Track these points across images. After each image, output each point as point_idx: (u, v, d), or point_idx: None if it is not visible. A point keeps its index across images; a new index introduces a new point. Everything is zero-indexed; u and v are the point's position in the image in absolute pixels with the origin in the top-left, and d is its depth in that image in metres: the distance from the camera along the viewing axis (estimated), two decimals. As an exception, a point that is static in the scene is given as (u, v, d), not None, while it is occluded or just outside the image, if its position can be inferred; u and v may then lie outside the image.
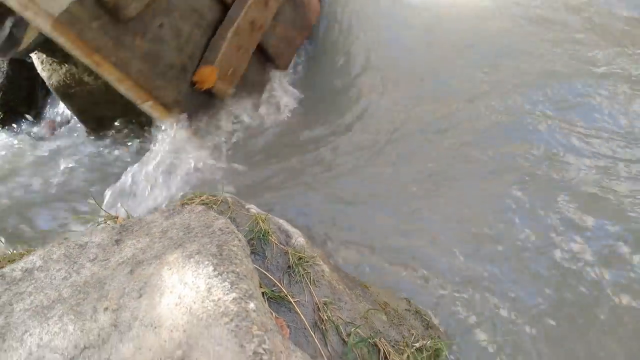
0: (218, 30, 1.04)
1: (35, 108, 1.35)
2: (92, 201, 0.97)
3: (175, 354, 0.39)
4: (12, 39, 0.93)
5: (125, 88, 1.05)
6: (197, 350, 0.39)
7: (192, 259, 0.46)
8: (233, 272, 0.44)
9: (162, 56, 0.99)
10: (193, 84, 1.09)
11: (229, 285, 0.43)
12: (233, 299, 0.41)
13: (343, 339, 0.66)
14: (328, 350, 0.64)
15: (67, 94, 1.15)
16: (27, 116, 1.34)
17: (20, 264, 0.56)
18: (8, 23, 0.91)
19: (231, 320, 0.39)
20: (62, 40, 0.81)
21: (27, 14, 0.76)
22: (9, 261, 0.75)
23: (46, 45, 1.02)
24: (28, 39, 0.97)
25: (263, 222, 0.72)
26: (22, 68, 1.30)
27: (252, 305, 0.42)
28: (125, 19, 0.87)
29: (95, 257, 0.53)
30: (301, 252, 0.69)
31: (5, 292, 0.52)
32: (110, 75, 0.98)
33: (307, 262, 0.68)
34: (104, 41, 0.87)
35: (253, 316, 0.40)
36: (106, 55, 0.89)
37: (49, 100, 1.37)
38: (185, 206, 0.60)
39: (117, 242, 0.55)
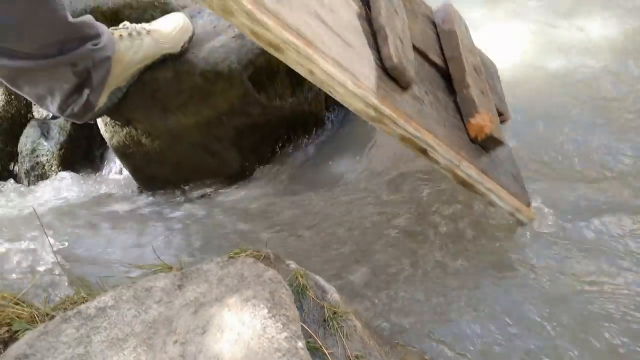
0: (455, 84, 1.11)
1: (91, 165, 1.49)
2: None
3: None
4: (88, 105, 1.06)
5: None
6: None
7: (248, 303, 0.53)
8: (284, 315, 0.52)
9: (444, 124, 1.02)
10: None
11: (281, 326, 0.50)
12: (285, 337, 0.48)
13: (371, 391, 0.71)
14: (357, 400, 0.69)
15: (125, 153, 1.27)
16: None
17: (94, 303, 0.64)
18: (86, 91, 1.05)
19: (283, 355, 0.46)
20: (386, 113, 0.88)
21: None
22: (72, 303, 0.84)
23: (113, 110, 1.16)
24: (100, 104, 1.10)
25: (301, 277, 0.79)
26: (83, 128, 1.44)
27: (300, 344, 0.49)
28: (405, 85, 0.94)
29: (160, 299, 0.61)
30: (336, 307, 0.76)
31: (83, 326, 0.60)
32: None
33: (341, 317, 0.75)
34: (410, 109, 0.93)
35: (302, 353, 0.47)
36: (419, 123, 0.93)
37: (104, 158, 1.50)
38: (237, 258, 0.69)
39: (179, 287, 0.63)
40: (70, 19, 0.98)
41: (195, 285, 0.62)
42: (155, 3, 1.51)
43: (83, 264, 1.16)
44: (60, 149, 1.44)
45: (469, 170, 0.98)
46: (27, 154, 1.51)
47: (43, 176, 1.50)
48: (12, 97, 1.53)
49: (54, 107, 1.07)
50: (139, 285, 0.66)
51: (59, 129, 1.46)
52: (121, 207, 1.38)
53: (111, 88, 1.09)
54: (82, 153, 1.47)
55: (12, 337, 0.86)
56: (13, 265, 1.19)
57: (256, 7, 0.72)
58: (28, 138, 1.51)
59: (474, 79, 1.11)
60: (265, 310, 0.51)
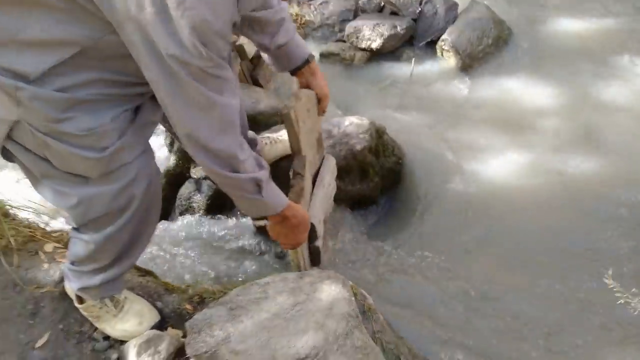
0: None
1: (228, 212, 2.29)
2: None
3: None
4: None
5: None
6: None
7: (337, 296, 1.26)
8: (350, 302, 1.23)
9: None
10: None
11: (347, 306, 1.22)
12: (350, 311, 1.19)
13: None
14: None
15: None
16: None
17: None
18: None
19: (350, 317, 1.17)
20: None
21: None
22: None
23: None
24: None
25: (355, 289, 1.50)
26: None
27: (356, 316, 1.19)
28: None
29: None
30: (370, 305, 1.46)
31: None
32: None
33: (372, 310, 1.44)
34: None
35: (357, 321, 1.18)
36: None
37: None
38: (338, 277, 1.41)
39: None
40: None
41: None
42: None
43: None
44: (207, 200, 2.25)
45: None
46: (184, 200, 2.33)
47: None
48: (181, 161, 2.37)
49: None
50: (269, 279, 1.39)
51: (208, 187, 2.29)
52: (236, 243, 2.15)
53: None
54: (222, 203, 2.27)
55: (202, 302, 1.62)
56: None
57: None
58: (186, 189, 2.33)
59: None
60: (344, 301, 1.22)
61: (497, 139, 2.35)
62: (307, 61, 1.55)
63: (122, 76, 1.07)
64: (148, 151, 1.22)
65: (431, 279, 1.81)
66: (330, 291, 1.24)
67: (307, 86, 1.60)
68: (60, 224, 1.87)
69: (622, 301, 1.24)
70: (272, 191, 1.27)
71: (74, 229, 1.28)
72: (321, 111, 1.69)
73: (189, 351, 1.14)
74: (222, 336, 1.14)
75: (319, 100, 1.63)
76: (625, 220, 1.92)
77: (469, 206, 2.06)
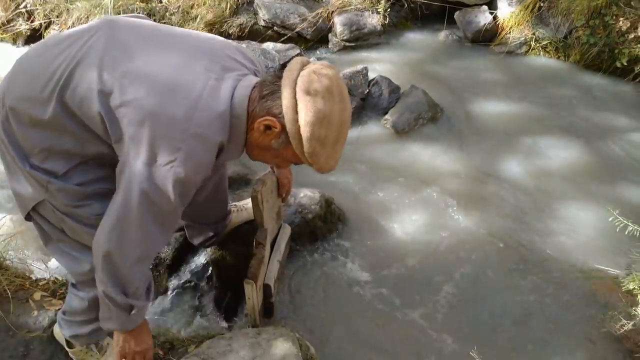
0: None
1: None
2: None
3: None
4: (211, 240, 2.18)
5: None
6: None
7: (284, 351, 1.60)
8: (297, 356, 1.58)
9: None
10: None
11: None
12: None
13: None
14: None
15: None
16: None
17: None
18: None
19: None
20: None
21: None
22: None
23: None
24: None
25: (300, 342, 1.84)
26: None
27: None
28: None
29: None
30: (313, 355, 1.80)
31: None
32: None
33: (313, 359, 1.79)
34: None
35: None
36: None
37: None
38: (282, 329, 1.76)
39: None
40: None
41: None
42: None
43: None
44: (174, 252, 2.55)
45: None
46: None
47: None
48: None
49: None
50: (233, 334, 1.72)
51: (175, 240, 2.58)
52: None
53: None
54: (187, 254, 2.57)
55: (173, 348, 1.91)
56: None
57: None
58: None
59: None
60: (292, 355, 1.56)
61: (412, 200, 2.79)
62: None
63: None
64: None
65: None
66: (282, 347, 1.58)
67: (277, 173, 1.97)
68: (45, 273, 2.12)
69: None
70: (138, 316, 1.38)
71: (72, 285, 1.57)
72: (285, 196, 2.06)
73: (169, 394, 1.45)
74: (197, 382, 1.46)
75: (280, 185, 2.01)
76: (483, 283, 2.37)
77: (383, 259, 2.46)
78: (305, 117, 1.14)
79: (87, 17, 4.46)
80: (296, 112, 1.15)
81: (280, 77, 1.18)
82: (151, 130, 1.13)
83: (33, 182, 1.31)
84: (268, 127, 1.20)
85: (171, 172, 1.13)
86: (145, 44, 1.24)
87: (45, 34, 4.71)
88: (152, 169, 1.14)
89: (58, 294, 1.97)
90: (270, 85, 1.20)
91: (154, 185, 1.15)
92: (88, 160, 1.32)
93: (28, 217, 1.44)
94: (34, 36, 4.79)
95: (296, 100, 1.14)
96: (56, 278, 2.07)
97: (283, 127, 1.18)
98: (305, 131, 1.15)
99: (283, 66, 1.20)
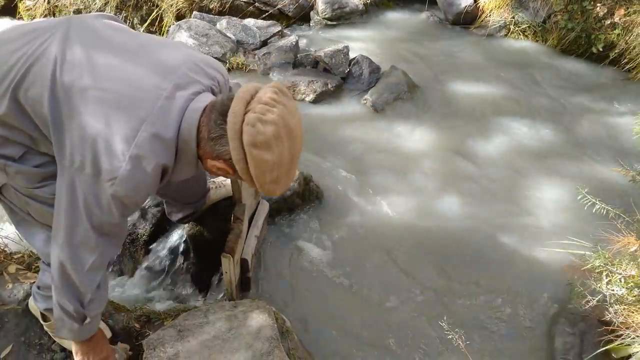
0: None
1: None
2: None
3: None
4: (190, 217, 2.19)
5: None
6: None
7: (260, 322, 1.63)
8: (272, 327, 1.61)
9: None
10: None
11: (270, 330, 1.59)
12: (271, 334, 1.56)
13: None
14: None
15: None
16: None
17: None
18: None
19: (269, 337, 1.55)
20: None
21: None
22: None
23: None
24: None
25: (276, 314, 1.88)
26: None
27: (276, 336, 1.56)
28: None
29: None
30: (288, 327, 1.84)
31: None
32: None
33: (288, 331, 1.83)
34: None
35: (276, 341, 1.55)
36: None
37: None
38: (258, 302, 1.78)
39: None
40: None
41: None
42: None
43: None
44: (151, 227, 2.55)
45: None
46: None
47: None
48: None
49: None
50: (209, 307, 1.75)
51: (152, 215, 2.58)
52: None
53: None
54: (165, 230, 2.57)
55: (149, 321, 1.92)
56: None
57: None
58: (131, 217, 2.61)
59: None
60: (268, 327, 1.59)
61: (389, 179, 2.85)
62: None
63: None
64: None
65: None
66: (258, 319, 1.61)
67: None
68: (20, 246, 2.10)
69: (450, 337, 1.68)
70: (92, 326, 1.41)
71: (42, 261, 1.56)
72: None
73: (145, 364, 1.47)
74: (173, 352, 1.48)
75: None
76: (461, 260, 2.44)
77: (358, 236, 2.51)
78: (255, 170, 1.15)
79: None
80: (246, 163, 1.14)
81: (224, 121, 1.15)
82: (94, 147, 1.13)
83: None
84: (219, 169, 1.22)
85: (111, 190, 1.14)
86: (100, 51, 1.22)
87: (19, 4, 4.59)
88: (96, 182, 1.15)
89: (33, 267, 1.96)
90: (216, 127, 1.16)
91: (97, 198, 1.16)
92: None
93: None
94: (7, 7, 4.66)
95: (245, 152, 1.13)
96: (31, 251, 2.05)
97: (236, 171, 1.19)
98: (258, 180, 1.17)
99: (229, 99, 1.17)
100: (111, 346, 1.61)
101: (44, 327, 1.73)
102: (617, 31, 4.12)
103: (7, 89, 1.20)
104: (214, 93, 1.31)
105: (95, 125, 1.13)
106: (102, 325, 1.80)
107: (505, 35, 4.56)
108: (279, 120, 1.14)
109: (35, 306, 1.70)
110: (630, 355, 1.96)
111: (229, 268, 1.89)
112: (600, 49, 4.17)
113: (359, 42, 4.19)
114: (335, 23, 4.50)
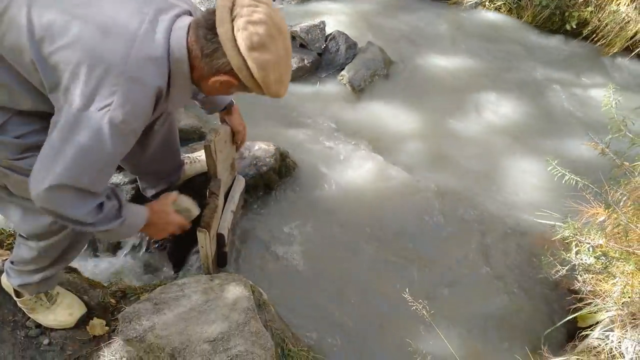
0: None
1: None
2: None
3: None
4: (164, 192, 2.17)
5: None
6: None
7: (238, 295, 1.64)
8: (248, 298, 1.62)
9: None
10: None
11: (247, 303, 1.60)
12: (248, 305, 1.58)
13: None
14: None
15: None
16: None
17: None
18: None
19: (246, 310, 1.55)
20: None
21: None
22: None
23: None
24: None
25: (253, 287, 1.89)
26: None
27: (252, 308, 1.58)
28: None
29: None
30: (265, 299, 1.85)
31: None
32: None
33: (266, 304, 1.84)
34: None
35: (253, 313, 1.57)
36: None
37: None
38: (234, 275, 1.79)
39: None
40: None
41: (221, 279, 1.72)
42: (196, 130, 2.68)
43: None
44: (126, 204, 2.52)
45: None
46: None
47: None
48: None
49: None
50: (186, 280, 1.75)
51: (126, 192, 2.55)
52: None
53: None
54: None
55: (125, 296, 1.92)
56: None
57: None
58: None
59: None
60: (244, 298, 1.60)
61: (365, 154, 2.85)
62: (231, 104, 1.92)
63: None
64: None
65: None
66: (234, 291, 1.62)
67: (226, 122, 1.96)
68: (-9, 223, 2.06)
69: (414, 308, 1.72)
70: (128, 210, 1.39)
71: (21, 235, 1.54)
72: (240, 144, 2.06)
73: (121, 337, 1.47)
74: (149, 325, 1.48)
75: (233, 134, 2.00)
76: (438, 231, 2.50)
77: (333, 211, 2.52)
78: (259, 73, 1.16)
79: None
80: (248, 69, 1.16)
81: (215, 34, 1.16)
82: (85, 75, 1.10)
83: None
84: (222, 83, 1.22)
85: (107, 117, 1.11)
86: None
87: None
88: (87, 114, 1.12)
89: (5, 244, 1.93)
90: (208, 43, 1.17)
91: (90, 131, 1.13)
92: (23, 113, 1.28)
93: None
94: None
95: (244, 58, 1.15)
96: (2, 229, 2.01)
97: (239, 80, 1.20)
98: (264, 82, 1.19)
99: (211, 13, 1.18)
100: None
101: (18, 303, 1.71)
102: (589, 9, 4.17)
103: None
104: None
105: (83, 54, 1.10)
106: (77, 301, 1.79)
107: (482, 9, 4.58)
108: (267, 18, 1.15)
109: (8, 283, 1.68)
110: (597, 322, 2.04)
111: (205, 243, 1.88)
112: (574, 27, 4.23)
113: (335, 16, 4.16)
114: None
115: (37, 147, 1.28)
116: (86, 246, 2.28)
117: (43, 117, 1.29)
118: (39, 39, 1.12)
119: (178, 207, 1.63)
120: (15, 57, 1.16)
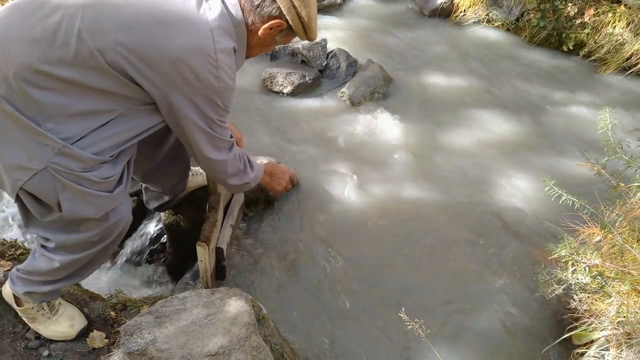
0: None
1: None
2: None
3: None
4: (167, 204, 2.19)
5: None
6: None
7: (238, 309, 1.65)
8: (249, 313, 1.64)
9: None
10: None
11: (247, 317, 1.61)
12: (248, 321, 1.60)
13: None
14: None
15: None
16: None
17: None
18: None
19: (247, 325, 1.58)
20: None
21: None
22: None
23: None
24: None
25: (253, 302, 1.90)
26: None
27: (253, 323, 1.59)
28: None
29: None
30: (264, 314, 1.87)
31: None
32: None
33: (265, 318, 1.85)
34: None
35: (253, 328, 1.58)
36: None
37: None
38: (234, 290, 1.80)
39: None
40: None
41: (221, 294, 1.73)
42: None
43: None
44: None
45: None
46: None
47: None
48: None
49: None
50: (187, 294, 1.76)
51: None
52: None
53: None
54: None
55: (125, 309, 1.93)
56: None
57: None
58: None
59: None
60: (245, 313, 1.62)
61: (364, 169, 2.89)
62: None
63: (136, 136, 1.41)
64: (128, 198, 1.54)
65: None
66: (235, 305, 1.63)
67: None
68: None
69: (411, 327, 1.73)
70: (254, 171, 1.78)
71: (43, 246, 1.53)
72: None
73: (123, 349, 1.47)
74: (150, 338, 1.49)
75: None
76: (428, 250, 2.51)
77: (334, 227, 2.54)
78: (304, 10, 1.36)
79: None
80: (294, 8, 1.35)
81: None
82: (188, 68, 1.28)
83: (42, 147, 1.27)
84: (272, 28, 1.39)
85: (217, 83, 1.32)
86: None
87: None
88: (209, 89, 1.34)
89: (7, 255, 1.94)
90: None
91: (211, 107, 1.38)
92: (105, 126, 1.32)
93: (17, 198, 1.39)
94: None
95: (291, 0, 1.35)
96: (4, 239, 2.03)
97: (287, 23, 1.39)
98: (307, 17, 1.38)
99: None
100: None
101: (19, 312, 1.71)
102: (586, 31, 4.24)
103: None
104: None
105: (173, 53, 1.26)
106: (78, 312, 1.80)
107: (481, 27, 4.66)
108: None
109: (10, 292, 1.68)
110: (592, 341, 2.05)
111: (205, 257, 1.90)
112: (571, 47, 4.29)
113: (336, 32, 4.22)
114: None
115: (107, 162, 1.36)
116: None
117: (120, 126, 1.36)
118: (127, 47, 1.24)
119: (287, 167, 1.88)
120: (107, 61, 1.26)
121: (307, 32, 1.43)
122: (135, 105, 1.34)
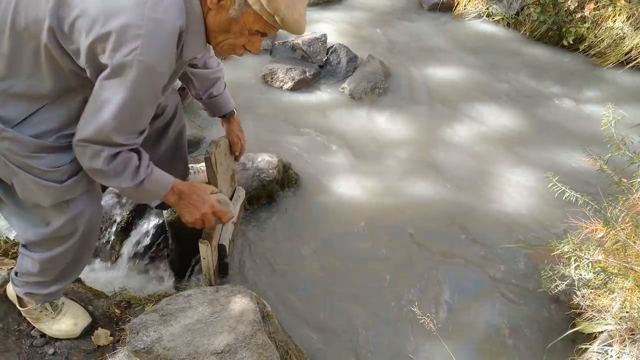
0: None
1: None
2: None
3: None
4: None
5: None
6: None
7: (244, 307, 1.65)
8: (254, 311, 1.63)
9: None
10: None
11: (253, 315, 1.61)
12: (253, 318, 1.60)
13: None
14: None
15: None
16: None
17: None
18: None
19: (252, 322, 1.58)
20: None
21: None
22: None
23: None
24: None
25: (257, 299, 1.90)
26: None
27: (258, 319, 1.59)
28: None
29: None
30: (269, 311, 1.87)
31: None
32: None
33: (269, 315, 1.86)
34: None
35: (259, 325, 1.59)
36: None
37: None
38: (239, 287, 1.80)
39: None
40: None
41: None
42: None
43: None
44: (128, 214, 2.53)
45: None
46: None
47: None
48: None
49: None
50: (191, 292, 1.76)
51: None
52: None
53: None
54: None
55: (129, 307, 1.93)
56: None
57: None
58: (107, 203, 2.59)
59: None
60: (250, 310, 1.62)
61: (364, 164, 2.90)
62: (231, 113, 1.95)
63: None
64: (91, 191, 1.46)
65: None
66: (240, 303, 1.63)
67: (226, 132, 1.99)
68: (-6, 232, 2.07)
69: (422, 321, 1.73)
70: (157, 173, 1.42)
71: (23, 246, 1.53)
72: (238, 155, 2.08)
73: (129, 347, 1.47)
74: (156, 336, 1.49)
75: (231, 143, 2.02)
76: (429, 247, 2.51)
77: (334, 221, 2.55)
78: None
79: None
80: None
81: None
82: (109, 28, 1.09)
83: None
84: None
85: (135, 61, 1.10)
86: None
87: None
88: (116, 63, 1.12)
89: (10, 253, 1.94)
90: None
91: (122, 79, 1.14)
92: (42, 110, 1.28)
93: None
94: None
95: None
96: (7, 237, 2.02)
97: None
98: (274, 8, 1.17)
99: None
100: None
101: (23, 313, 1.71)
102: (586, 25, 4.24)
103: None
104: None
105: (98, 7, 1.09)
106: (82, 311, 1.80)
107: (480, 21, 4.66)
108: None
109: (13, 292, 1.68)
110: (595, 337, 2.06)
111: (207, 254, 1.90)
112: (571, 42, 4.29)
113: (336, 25, 4.21)
114: (311, 7, 4.50)
115: (50, 148, 1.30)
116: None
117: (62, 109, 1.30)
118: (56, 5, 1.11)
119: (217, 198, 1.59)
120: (36, 33, 1.16)
121: (265, 5, 1.17)
122: (65, 90, 1.27)
